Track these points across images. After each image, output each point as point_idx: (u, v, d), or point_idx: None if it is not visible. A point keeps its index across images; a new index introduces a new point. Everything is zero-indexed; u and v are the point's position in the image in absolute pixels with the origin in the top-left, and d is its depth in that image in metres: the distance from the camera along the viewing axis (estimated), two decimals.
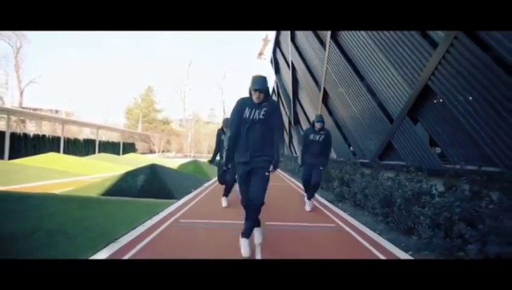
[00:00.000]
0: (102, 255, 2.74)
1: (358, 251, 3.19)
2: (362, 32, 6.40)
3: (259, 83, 2.73)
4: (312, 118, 12.48)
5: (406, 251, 3.24)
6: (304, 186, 5.26)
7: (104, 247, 2.90)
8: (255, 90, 2.71)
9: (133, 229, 3.62)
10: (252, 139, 2.73)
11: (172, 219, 4.31)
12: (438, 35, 4.24)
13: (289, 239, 3.48)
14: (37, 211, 3.10)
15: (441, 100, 4.55)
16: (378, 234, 3.90)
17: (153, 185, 6.62)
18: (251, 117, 2.72)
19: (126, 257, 2.72)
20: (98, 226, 3.35)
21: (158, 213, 4.58)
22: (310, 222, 4.42)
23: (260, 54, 41.43)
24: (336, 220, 4.58)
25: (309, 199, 5.04)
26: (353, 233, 3.88)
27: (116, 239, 3.22)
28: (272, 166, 2.75)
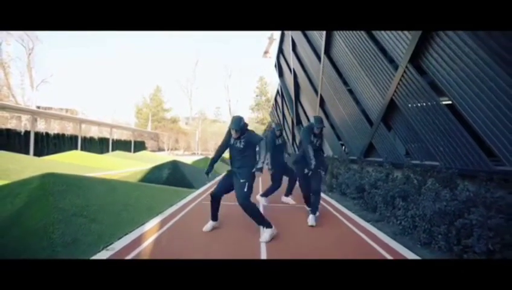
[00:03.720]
0: (150, 224, 4.14)
1: (335, 221, 4.52)
2: (348, 52, 7.71)
3: (235, 123, 3.42)
4: (312, 119, 13.71)
5: (368, 221, 4.59)
6: (305, 198, 4.67)
7: (149, 219, 4.31)
8: (233, 129, 3.43)
9: (171, 206, 5.04)
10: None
11: (196, 201, 5.71)
12: (398, 60, 5.55)
13: (285, 214, 4.78)
14: (113, 190, 4.52)
15: (401, 110, 5.89)
16: (353, 212, 5.24)
17: (176, 177, 8.03)
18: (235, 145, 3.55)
19: (170, 223, 4.09)
20: (148, 202, 4.76)
21: (185, 197, 5.99)
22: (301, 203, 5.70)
23: (266, 52, 41.84)
24: (323, 203, 5.91)
25: (314, 213, 4.17)
26: (331, 210, 5.23)
27: (161, 212, 4.63)
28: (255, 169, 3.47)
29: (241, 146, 3.52)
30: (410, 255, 3.04)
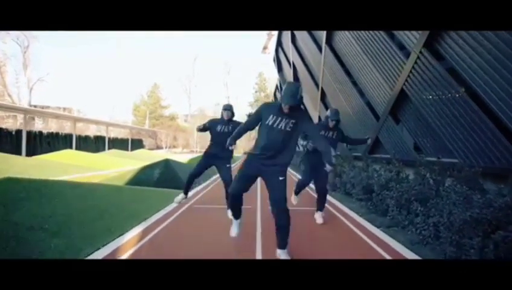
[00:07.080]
0: (132, 234, 3.62)
1: (336, 223, 4.02)
2: (352, 40, 7.14)
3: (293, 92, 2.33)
4: (312, 113, 13.21)
5: (378, 227, 4.06)
6: (298, 187, 4.36)
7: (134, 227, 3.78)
8: (286, 103, 2.31)
9: (158, 211, 4.51)
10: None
11: (187, 205, 5.18)
12: (410, 46, 4.99)
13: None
14: (90, 195, 3.99)
15: (413, 101, 5.34)
16: (360, 215, 4.71)
17: (167, 177, 7.49)
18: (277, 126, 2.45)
19: (153, 233, 3.55)
20: (131, 208, 4.24)
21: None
22: (303, 206, 5.19)
23: (265, 48, 41.38)
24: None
25: (321, 210, 4.13)
26: (333, 211, 4.71)
27: (146, 218, 4.10)
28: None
29: (288, 128, 2.42)
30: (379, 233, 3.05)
